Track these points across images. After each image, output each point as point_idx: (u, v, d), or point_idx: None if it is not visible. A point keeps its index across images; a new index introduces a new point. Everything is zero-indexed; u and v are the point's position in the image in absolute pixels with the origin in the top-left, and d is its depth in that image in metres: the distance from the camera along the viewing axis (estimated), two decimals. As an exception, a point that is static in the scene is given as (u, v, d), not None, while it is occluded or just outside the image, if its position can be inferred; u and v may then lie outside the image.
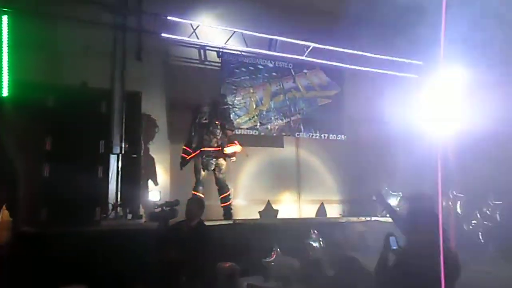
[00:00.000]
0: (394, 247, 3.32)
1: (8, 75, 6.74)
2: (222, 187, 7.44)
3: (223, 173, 7.43)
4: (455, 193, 8.45)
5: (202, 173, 7.32)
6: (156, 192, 7.27)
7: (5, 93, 6.69)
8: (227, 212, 7.46)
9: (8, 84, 6.73)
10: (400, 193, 8.42)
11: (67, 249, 5.14)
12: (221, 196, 7.46)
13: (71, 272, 4.92)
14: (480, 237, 7.90)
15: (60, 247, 5.17)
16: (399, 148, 9.96)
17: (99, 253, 5.28)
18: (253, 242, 6.05)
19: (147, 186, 7.95)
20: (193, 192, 7.22)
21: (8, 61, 6.76)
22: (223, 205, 7.48)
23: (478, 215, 8.17)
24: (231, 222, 7.09)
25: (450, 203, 8.35)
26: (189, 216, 5.14)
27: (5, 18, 6.84)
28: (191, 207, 5.17)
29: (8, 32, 6.84)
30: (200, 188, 7.30)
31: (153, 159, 8.22)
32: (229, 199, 7.51)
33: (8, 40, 6.82)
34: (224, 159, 7.41)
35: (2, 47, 6.78)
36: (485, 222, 8.05)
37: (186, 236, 4.98)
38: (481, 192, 8.35)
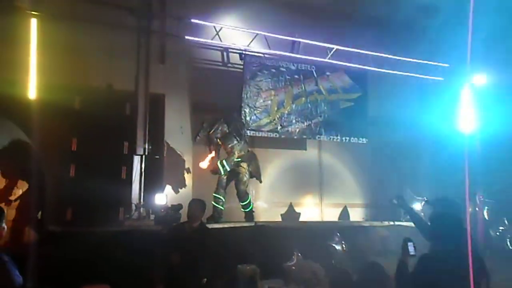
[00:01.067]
0: (412, 253, 3.33)
1: (36, 77, 6.89)
2: (241, 196, 7.46)
3: (243, 185, 7.43)
4: (482, 198, 8.25)
5: (221, 177, 7.35)
6: (162, 195, 7.23)
7: (33, 95, 6.84)
8: (249, 215, 7.48)
9: (36, 86, 6.88)
10: (425, 197, 8.27)
11: (90, 248, 5.22)
12: (241, 204, 7.49)
13: (94, 272, 4.99)
14: (508, 244, 7.70)
15: (84, 246, 5.25)
16: (423, 151, 9.81)
17: (121, 253, 5.34)
18: (275, 245, 6.03)
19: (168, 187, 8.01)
20: (214, 194, 7.26)
21: (36, 63, 6.92)
22: (244, 210, 7.51)
23: (506, 221, 7.96)
24: (252, 224, 7.10)
25: (477, 208, 8.16)
26: (191, 218, 5.16)
27: (34, 21, 7.01)
28: (193, 209, 5.18)
29: (36, 35, 7.00)
30: (221, 191, 7.32)
31: (176, 160, 8.27)
32: (249, 206, 7.51)
33: (36, 43, 6.98)
34: (243, 168, 7.41)
35: (30, 49, 6.95)
36: (512, 230, 7.84)
37: (188, 239, 4.99)
38: (509, 198, 8.13)
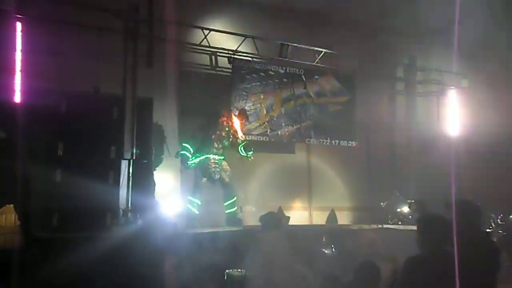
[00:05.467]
0: None
1: (21, 81, 6.81)
2: (228, 193, 7.39)
3: (229, 177, 7.39)
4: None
5: (203, 180, 7.29)
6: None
7: (18, 99, 6.75)
8: (232, 218, 7.37)
9: (21, 90, 6.79)
10: (412, 200, 8.32)
11: (77, 254, 5.16)
12: (226, 203, 7.40)
13: (81, 279, 4.93)
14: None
15: (71, 252, 5.19)
16: (411, 155, 9.88)
17: (109, 259, 5.28)
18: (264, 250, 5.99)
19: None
20: (189, 197, 7.21)
21: (21, 67, 6.84)
22: (228, 211, 7.40)
23: (493, 223, 8.04)
24: (240, 228, 7.06)
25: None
26: None
27: (19, 25, 6.93)
28: None
29: (21, 38, 6.92)
30: (197, 195, 7.27)
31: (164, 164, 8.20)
32: (234, 206, 7.43)
33: (21, 46, 6.90)
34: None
35: (16, 53, 6.87)
36: (499, 231, 7.92)
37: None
38: (495, 200, 8.22)
